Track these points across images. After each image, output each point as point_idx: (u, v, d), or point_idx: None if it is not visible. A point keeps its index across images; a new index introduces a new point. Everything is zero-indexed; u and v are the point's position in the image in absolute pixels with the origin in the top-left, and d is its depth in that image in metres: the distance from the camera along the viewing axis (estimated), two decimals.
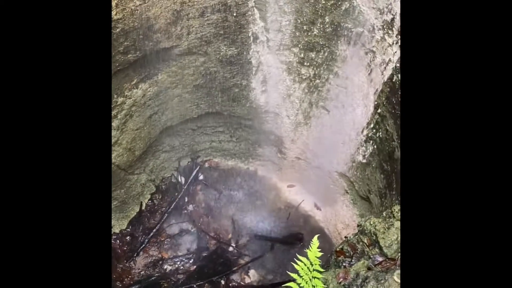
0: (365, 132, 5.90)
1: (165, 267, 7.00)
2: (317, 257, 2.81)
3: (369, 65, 5.39)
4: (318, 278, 2.78)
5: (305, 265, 2.80)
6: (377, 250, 3.35)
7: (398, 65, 4.84)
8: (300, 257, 2.82)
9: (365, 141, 5.96)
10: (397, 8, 4.66)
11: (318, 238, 2.96)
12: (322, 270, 2.81)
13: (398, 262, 3.06)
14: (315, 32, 5.76)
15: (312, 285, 2.75)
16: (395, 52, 4.87)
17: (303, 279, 2.77)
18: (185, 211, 7.78)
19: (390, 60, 4.98)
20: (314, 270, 2.79)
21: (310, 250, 2.85)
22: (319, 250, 2.85)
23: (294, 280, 2.78)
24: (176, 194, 7.80)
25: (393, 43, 4.88)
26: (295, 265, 2.80)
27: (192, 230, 7.56)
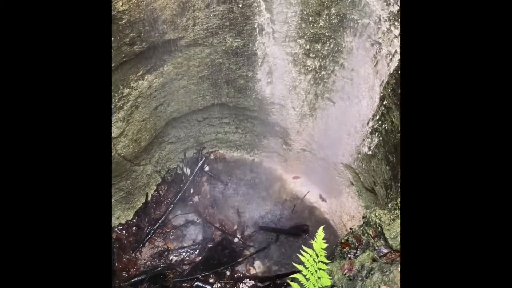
0: (370, 124, 5.88)
1: (170, 258, 7.05)
2: (323, 249, 2.83)
3: (375, 56, 5.35)
4: (323, 269, 2.79)
5: (310, 256, 2.81)
6: (382, 241, 3.36)
7: None
8: (305, 249, 2.84)
9: (371, 133, 5.94)
10: None
11: (323, 229, 2.98)
12: (327, 261, 2.83)
13: None
14: (321, 24, 5.72)
15: (318, 277, 2.77)
16: None
17: (308, 270, 2.78)
18: (191, 202, 7.82)
19: (396, 51, 4.95)
20: (319, 261, 2.80)
21: (315, 241, 2.86)
22: (324, 241, 2.86)
23: (299, 271, 2.80)
24: (182, 185, 7.83)
25: (399, 35, 4.85)
26: (301, 257, 2.82)
27: (197, 221, 7.60)
